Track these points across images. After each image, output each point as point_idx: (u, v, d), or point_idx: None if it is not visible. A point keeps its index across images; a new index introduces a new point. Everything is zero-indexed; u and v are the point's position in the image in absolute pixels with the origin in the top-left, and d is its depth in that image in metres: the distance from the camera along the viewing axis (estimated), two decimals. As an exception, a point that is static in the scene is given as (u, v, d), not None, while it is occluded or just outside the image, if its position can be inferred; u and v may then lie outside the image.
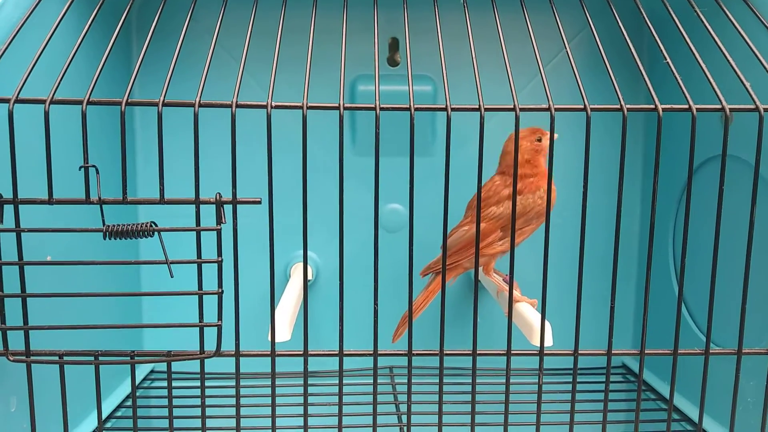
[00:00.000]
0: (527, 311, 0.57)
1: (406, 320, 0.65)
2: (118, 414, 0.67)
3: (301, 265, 0.75)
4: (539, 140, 0.61)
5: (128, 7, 0.50)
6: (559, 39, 0.50)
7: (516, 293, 0.62)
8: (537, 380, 0.47)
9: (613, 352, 0.47)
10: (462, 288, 0.80)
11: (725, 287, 0.50)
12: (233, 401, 0.48)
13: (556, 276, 0.68)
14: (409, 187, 0.45)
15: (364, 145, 0.77)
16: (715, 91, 0.45)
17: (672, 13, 0.51)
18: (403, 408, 0.68)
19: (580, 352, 0.47)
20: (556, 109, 0.44)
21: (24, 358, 0.44)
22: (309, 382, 0.47)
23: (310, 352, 0.46)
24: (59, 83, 0.43)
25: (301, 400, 0.49)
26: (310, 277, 0.77)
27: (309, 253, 0.78)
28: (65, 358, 0.45)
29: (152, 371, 0.77)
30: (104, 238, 0.42)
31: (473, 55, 0.48)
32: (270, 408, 0.48)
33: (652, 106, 0.44)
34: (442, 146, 0.77)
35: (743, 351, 0.47)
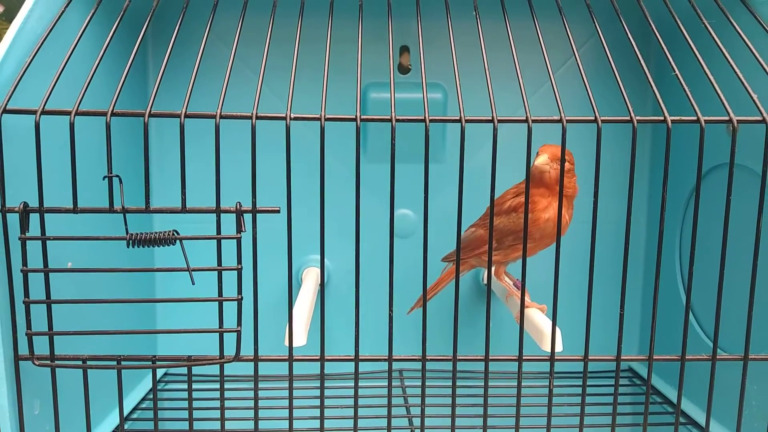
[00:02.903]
0: (537, 317, 0.59)
1: (419, 301, 0.68)
2: (134, 416, 0.68)
3: (312, 269, 0.77)
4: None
5: (147, 20, 0.51)
6: (566, 48, 0.51)
7: (526, 299, 0.63)
8: (545, 383, 0.48)
9: (622, 357, 0.48)
10: (471, 292, 0.81)
11: (731, 293, 0.51)
12: (250, 403, 0.49)
13: (565, 281, 0.69)
14: (424, 196, 0.47)
15: (375, 152, 0.78)
16: (723, 104, 0.46)
17: (679, 23, 0.52)
18: (413, 411, 0.69)
19: (590, 357, 0.48)
20: (568, 121, 0.45)
21: (49, 362, 0.45)
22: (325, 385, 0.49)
23: (326, 357, 0.48)
24: (83, 95, 0.44)
25: (315, 402, 0.50)
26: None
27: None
28: (88, 362, 0.46)
29: (166, 374, 0.78)
30: (128, 246, 0.44)
31: (486, 66, 0.49)
32: (287, 410, 0.49)
33: (661, 118, 0.45)
34: (452, 153, 0.78)
35: (750, 357, 0.48)
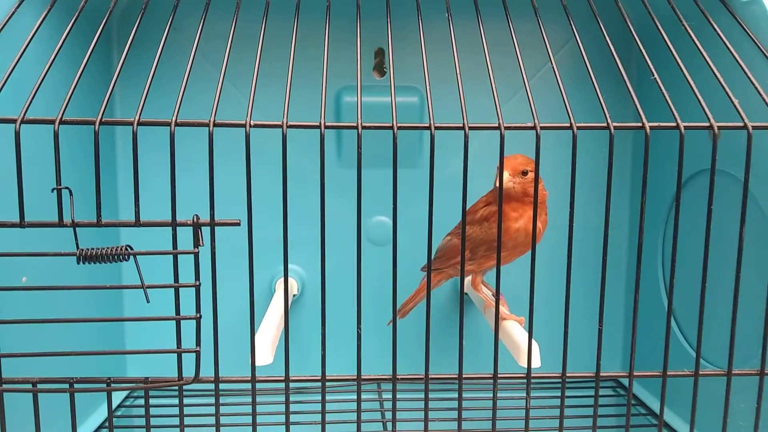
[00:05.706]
0: (515, 330, 0.56)
1: (401, 311, 0.67)
2: (99, 435, 0.65)
3: (286, 279, 0.74)
4: (525, 174, 0.57)
5: (104, 20, 0.49)
6: (546, 51, 0.49)
7: (504, 311, 0.61)
8: (524, 395, 0.46)
9: (601, 374, 0.46)
10: (452, 302, 0.79)
11: (716, 303, 0.49)
12: (213, 420, 0.47)
13: (547, 292, 0.67)
14: (393, 203, 0.45)
15: (351, 157, 0.76)
16: (704, 109, 0.44)
17: (659, 27, 0.50)
18: (390, 425, 0.67)
19: (567, 374, 0.46)
20: (542, 128, 0.43)
21: (-5, 386, 0.43)
22: (293, 399, 0.46)
23: (291, 378, 0.45)
24: (30, 102, 0.42)
25: (283, 418, 0.48)
26: (295, 291, 0.76)
27: (294, 267, 0.77)
28: (39, 386, 0.43)
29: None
30: (78, 263, 0.41)
31: (457, 70, 0.47)
32: (251, 427, 0.46)
33: (640, 125, 0.43)
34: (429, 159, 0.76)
35: (733, 372, 0.46)
